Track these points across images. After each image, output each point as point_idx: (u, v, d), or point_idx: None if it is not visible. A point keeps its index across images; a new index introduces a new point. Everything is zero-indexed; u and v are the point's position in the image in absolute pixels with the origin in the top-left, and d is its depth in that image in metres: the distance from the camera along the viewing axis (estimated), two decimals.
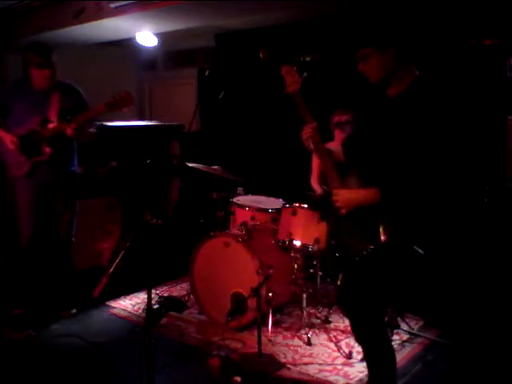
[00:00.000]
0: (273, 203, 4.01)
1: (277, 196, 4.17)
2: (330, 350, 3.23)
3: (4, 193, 3.91)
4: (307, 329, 3.39)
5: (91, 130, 3.67)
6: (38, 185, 3.56)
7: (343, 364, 3.06)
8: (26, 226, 3.59)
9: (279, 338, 3.39)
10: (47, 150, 3.46)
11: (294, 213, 3.50)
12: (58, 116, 3.46)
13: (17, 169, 3.51)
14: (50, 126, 3.44)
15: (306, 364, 3.06)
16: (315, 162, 4.33)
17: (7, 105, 3.51)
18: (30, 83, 3.48)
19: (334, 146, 4.21)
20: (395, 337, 3.33)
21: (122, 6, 4.32)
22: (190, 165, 4.11)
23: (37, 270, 3.77)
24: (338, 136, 4.18)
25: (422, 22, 4.27)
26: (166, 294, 4.11)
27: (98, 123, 4.95)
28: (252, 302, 3.21)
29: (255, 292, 3.07)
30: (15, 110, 3.49)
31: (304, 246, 3.45)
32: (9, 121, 3.51)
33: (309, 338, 3.31)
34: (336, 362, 3.08)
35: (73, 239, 3.76)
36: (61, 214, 3.66)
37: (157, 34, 5.28)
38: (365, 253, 2.26)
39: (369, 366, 2.40)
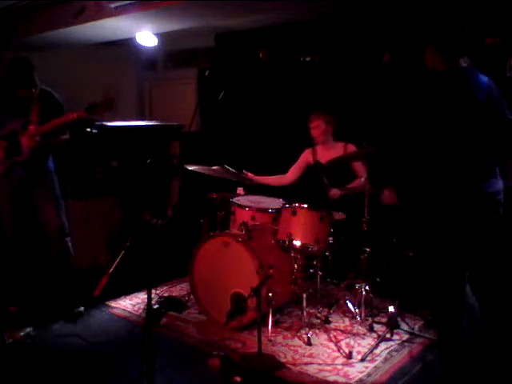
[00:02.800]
0: (273, 203, 4.01)
1: (277, 196, 4.17)
2: (329, 350, 3.23)
3: None
4: (307, 329, 3.39)
5: (65, 136, 3.75)
6: (15, 184, 3.63)
7: (343, 364, 3.06)
8: (6, 224, 3.66)
9: (279, 338, 3.39)
10: (26, 150, 3.55)
11: (294, 213, 3.50)
12: (38, 119, 3.56)
13: None
14: (31, 127, 3.55)
15: (305, 364, 3.06)
16: (303, 160, 4.43)
17: None
18: (13, 90, 3.56)
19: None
20: (395, 337, 3.33)
21: (122, 5, 4.31)
22: (190, 168, 4.10)
23: (28, 268, 3.80)
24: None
25: (423, 20, 4.27)
26: (166, 294, 4.11)
27: (98, 123, 4.96)
28: (252, 302, 3.21)
29: (255, 292, 3.06)
30: None
31: (304, 245, 3.46)
32: None
33: (309, 337, 3.31)
34: (336, 362, 3.08)
35: (67, 231, 3.76)
36: (43, 211, 3.69)
37: (157, 34, 5.28)
38: None
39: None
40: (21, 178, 3.63)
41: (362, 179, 3.69)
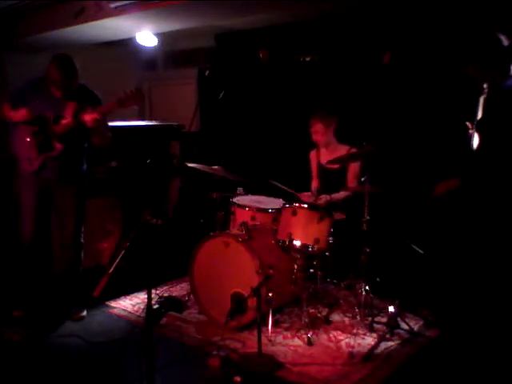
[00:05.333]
0: (273, 203, 4.01)
1: (277, 196, 4.17)
2: (329, 350, 3.23)
3: (10, 190, 3.86)
4: (307, 329, 3.39)
5: (109, 133, 3.66)
6: (44, 183, 3.54)
7: (343, 364, 3.06)
8: (27, 224, 3.57)
9: (279, 338, 3.39)
10: (58, 145, 3.44)
11: (294, 213, 3.50)
12: (73, 115, 3.42)
13: (28, 164, 3.50)
14: (64, 121, 3.42)
15: (305, 364, 3.06)
16: (313, 162, 4.39)
17: (22, 104, 3.42)
18: (50, 88, 3.43)
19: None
20: (395, 337, 3.33)
21: (122, 5, 4.31)
22: (190, 165, 4.11)
23: (40, 269, 3.74)
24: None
25: (423, 18, 4.27)
26: (166, 294, 4.10)
27: None
28: (252, 302, 3.21)
29: (255, 292, 3.06)
30: (30, 110, 3.43)
31: (304, 245, 3.45)
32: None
33: (309, 337, 3.31)
34: (336, 362, 3.08)
35: (82, 240, 3.72)
36: (66, 213, 3.62)
37: (157, 34, 5.28)
38: None
39: None
40: (52, 178, 3.53)
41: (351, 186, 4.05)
